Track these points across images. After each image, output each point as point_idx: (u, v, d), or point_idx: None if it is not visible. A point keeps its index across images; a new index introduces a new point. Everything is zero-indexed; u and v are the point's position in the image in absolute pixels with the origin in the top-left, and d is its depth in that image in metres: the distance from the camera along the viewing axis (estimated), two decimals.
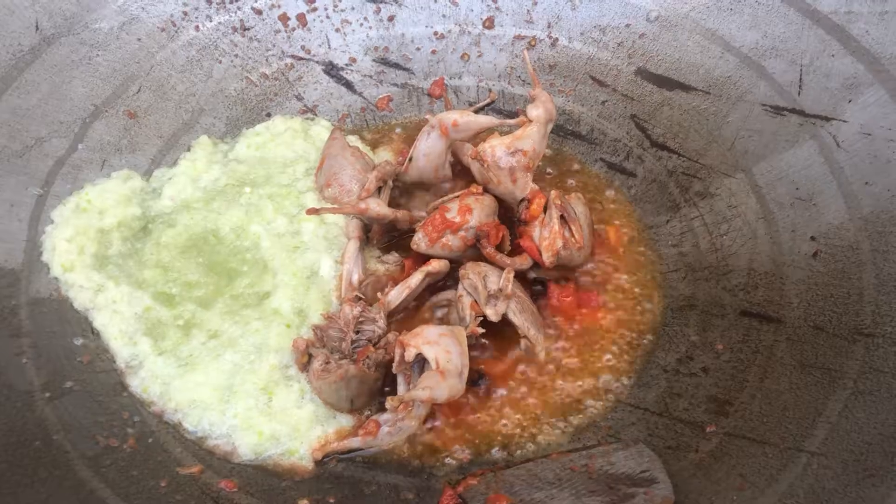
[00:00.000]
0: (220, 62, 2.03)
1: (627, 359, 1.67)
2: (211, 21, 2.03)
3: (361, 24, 2.12)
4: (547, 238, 1.65)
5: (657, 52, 1.98)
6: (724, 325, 1.65)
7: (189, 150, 1.94)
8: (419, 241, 1.67)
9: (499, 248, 1.69)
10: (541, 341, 1.65)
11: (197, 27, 2.01)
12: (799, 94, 1.76)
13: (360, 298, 1.63)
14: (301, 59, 2.11)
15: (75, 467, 1.36)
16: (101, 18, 1.90)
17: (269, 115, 2.05)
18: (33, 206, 1.70)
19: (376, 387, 1.56)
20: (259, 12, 2.06)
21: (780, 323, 1.57)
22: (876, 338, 1.43)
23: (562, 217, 1.67)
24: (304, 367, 1.55)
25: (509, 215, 1.77)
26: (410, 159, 1.82)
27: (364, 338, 1.57)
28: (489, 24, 2.11)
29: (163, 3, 1.98)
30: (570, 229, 1.68)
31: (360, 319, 1.58)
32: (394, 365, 1.49)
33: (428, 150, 1.80)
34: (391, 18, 2.12)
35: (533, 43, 2.10)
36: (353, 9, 2.11)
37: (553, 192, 1.68)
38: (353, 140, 2.02)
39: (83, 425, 1.44)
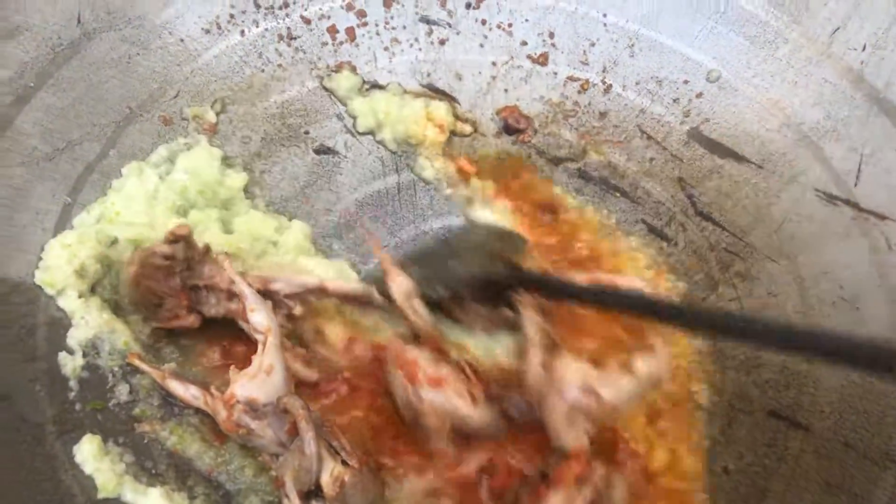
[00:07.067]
0: (263, 71, 1.96)
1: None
2: (257, 27, 1.94)
3: (411, 45, 2.03)
4: None
5: (713, 115, 1.91)
6: (749, 422, 1.61)
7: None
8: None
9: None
10: None
11: (242, 32, 1.93)
12: (856, 184, 1.70)
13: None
14: None
15: None
16: (145, 14, 1.82)
17: (307, 132, 1.97)
18: (59, 214, 1.64)
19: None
20: (308, 21, 1.97)
21: (809, 432, 1.54)
22: None
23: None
24: None
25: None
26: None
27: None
28: (543, 60, 2.03)
29: (210, 2, 1.90)
30: None
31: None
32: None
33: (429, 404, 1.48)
34: (442, 42, 2.04)
35: (585, 86, 2.02)
36: (404, 27, 2.02)
37: (599, 470, 1.39)
38: None
39: None
